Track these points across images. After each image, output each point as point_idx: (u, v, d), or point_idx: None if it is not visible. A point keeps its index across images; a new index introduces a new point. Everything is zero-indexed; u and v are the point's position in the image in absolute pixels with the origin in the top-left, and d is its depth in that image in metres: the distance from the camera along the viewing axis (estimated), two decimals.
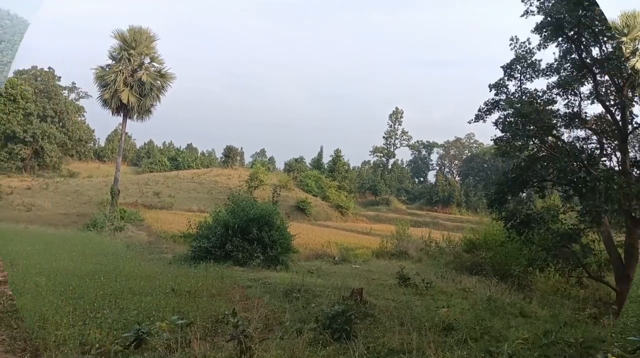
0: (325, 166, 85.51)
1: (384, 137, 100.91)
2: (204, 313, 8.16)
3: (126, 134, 45.47)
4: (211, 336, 7.05)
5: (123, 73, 33.79)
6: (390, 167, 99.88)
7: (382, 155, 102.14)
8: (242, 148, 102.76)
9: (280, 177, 74.11)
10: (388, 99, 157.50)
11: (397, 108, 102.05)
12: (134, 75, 34.55)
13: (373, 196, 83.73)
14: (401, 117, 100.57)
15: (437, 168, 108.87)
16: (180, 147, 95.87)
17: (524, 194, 21.76)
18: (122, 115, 35.14)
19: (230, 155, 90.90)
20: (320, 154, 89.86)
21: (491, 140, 21.80)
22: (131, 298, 9.04)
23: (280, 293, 10.94)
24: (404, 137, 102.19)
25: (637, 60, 17.34)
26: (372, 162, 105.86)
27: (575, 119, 19.54)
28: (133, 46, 34.41)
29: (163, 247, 24.23)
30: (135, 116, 35.48)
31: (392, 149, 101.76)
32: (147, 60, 36.33)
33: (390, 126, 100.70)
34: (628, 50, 17.37)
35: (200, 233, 19.24)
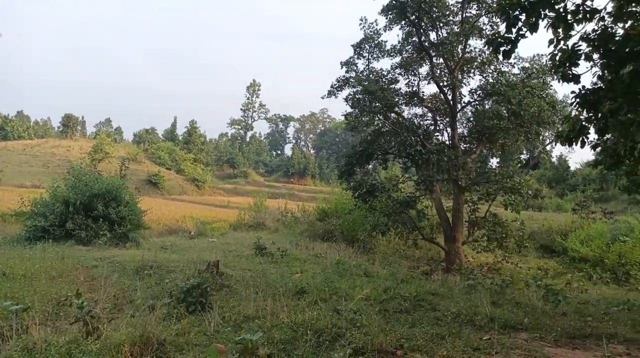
0: (180, 138, 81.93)
1: (241, 109, 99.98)
2: (42, 297, 7.43)
3: None
4: (52, 320, 6.47)
5: None
6: (248, 139, 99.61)
7: (240, 127, 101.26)
8: (83, 117, 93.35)
9: (129, 149, 69.27)
10: (245, 71, 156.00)
11: (254, 80, 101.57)
12: None
13: (231, 169, 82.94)
14: (259, 89, 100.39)
15: (294, 141, 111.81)
16: (8, 115, 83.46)
17: (370, 166, 23.46)
18: None
19: (70, 124, 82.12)
20: (174, 125, 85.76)
21: (342, 115, 23.05)
22: None
23: (131, 271, 10.39)
24: (262, 110, 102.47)
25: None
26: (230, 135, 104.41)
27: (414, 97, 21.52)
28: None
29: None
30: None
31: (250, 122, 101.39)
32: None
33: (248, 98, 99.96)
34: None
35: (35, 211, 17.20)
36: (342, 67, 22.12)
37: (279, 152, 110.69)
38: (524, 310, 7.62)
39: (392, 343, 5.25)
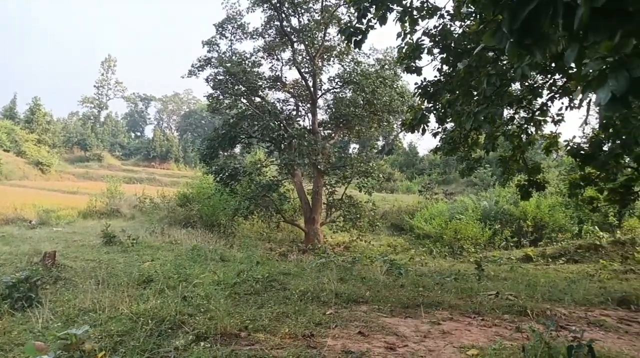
0: (21, 116, 72.21)
1: (95, 86, 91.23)
2: None
3: None
4: None
5: None
6: (103, 120, 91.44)
7: (93, 106, 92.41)
8: None
9: None
10: (101, 45, 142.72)
11: (109, 55, 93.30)
12: None
13: (82, 151, 75.47)
14: (115, 65, 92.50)
15: (155, 122, 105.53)
16: None
17: (235, 149, 23.21)
18: None
19: None
20: (13, 102, 75.26)
21: (204, 96, 22.36)
22: None
23: None
24: (118, 87, 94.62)
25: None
26: (81, 114, 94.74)
27: (277, 82, 21.68)
28: None
29: None
30: None
31: (104, 100, 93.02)
32: None
33: (103, 74, 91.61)
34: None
35: None
36: (203, 47, 21.41)
37: (139, 133, 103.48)
38: (368, 284, 8.18)
39: (236, 326, 5.25)
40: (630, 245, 14.00)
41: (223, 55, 21.01)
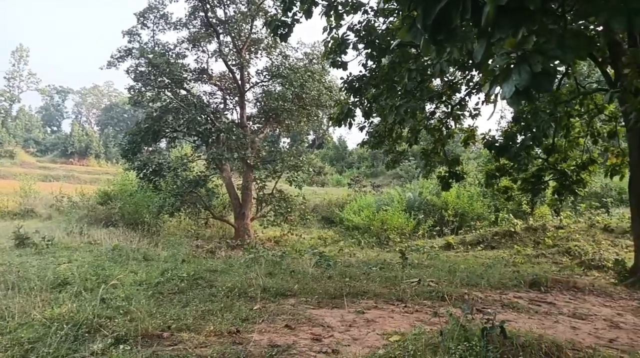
0: None
1: (5, 78, 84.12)
2: None
3: None
4: None
5: None
6: (15, 114, 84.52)
7: (3, 99, 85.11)
8: None
9: None
10: (11, 34, 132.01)
11: (21, 45, 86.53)
12: None
13: None
14: (27, 56, 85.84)
15: (73, 116, 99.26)
16: None
17: (160, 144, 22.38)
18: None
19: None
20: None
21: (125, 89, 21.36)
22: None
23: None
24: (32, 79, 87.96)
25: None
26: None
27: (203, 74, 21.15)
28: None
29: None
30: None
31: (16, 93, 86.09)
32: None
33: (14, 65, 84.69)
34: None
35: None
36: (123, 37, 20.43)
37: (56, 128, 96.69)
38: (296, 277, 8.20)
39: (159, 326, 5.07)
40: (542, 231, 15.12)
41: (145, 46, 20.16)
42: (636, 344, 5.18)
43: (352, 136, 66.85)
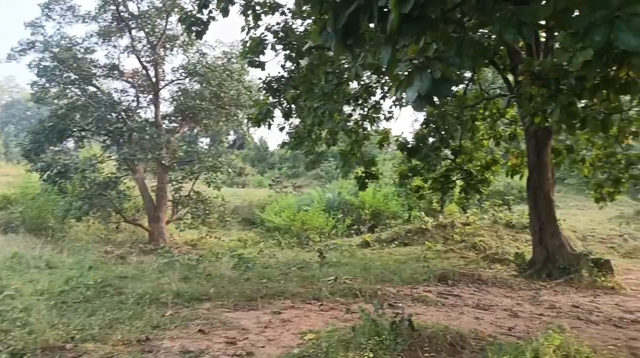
0: None
1: None
2: None
3: None
4: None
5: None
6: None
7: None
8: None
9: None
10: None
11: None
12: None
13: None
14: None
15: None
16: None
17: (68, 144, 20.92)
18: None
19: None
20: None
21: (27, 84, 19.76)
22: None
23: None
24: None
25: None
26: None
27: (114, 70, 20.05)
28: None
29: None
30: None
31: None
32: None
33: None
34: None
35: None
36: (26, 28, 18.90)
37: None
38: (213, 281, 8.05)
39: (61, 338, 4.75)
40: (451, 227, 16.00)
41: (50, 39, 18.76)
42: (532, 331, 5.65)
43: (273, 137, 66.70)
